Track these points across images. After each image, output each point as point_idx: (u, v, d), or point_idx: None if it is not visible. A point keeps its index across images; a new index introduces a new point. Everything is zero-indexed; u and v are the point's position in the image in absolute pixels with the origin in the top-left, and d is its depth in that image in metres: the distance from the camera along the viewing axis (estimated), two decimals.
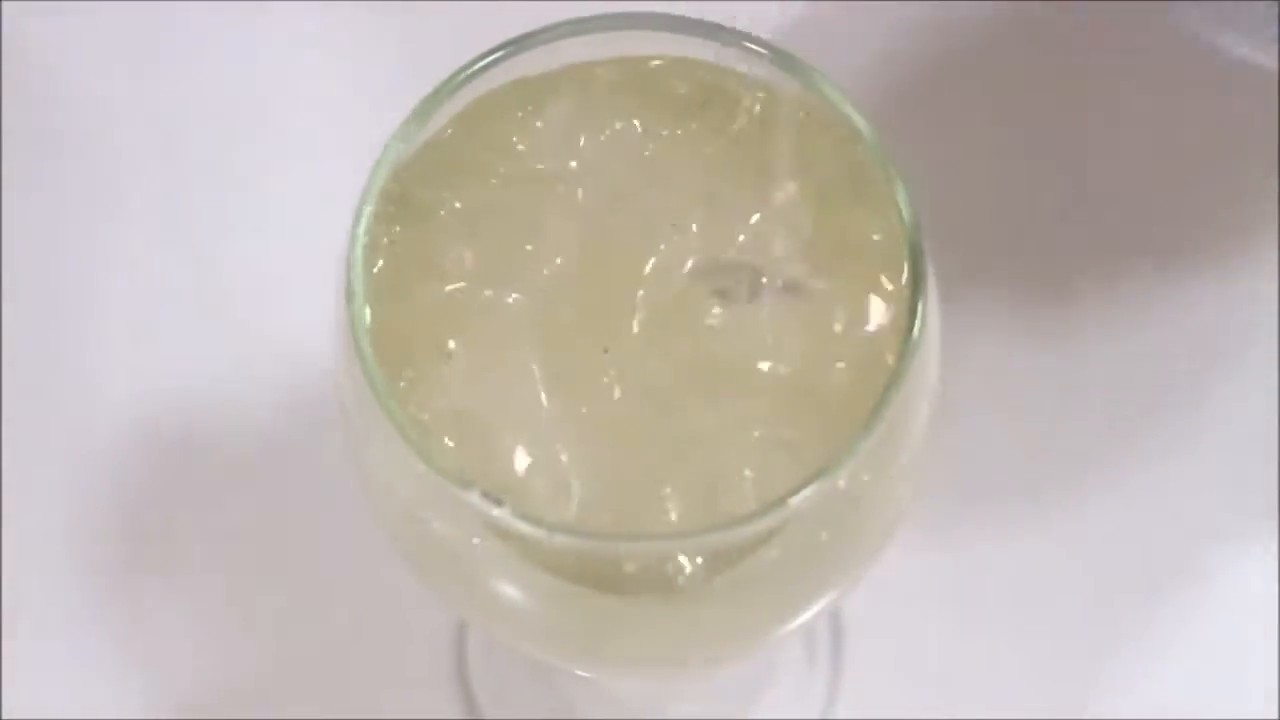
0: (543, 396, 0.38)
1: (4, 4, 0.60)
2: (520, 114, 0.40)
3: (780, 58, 0.39)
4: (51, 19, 0.61)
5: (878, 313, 0.38)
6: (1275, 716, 0.54)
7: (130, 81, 0.60)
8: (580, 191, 0.39)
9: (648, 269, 0.39)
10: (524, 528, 0.36)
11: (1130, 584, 0.55)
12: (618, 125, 0.40)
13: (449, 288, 0.39)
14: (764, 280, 0.39)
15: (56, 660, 0.54)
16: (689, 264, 0.39)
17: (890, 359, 0.37)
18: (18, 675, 0.54)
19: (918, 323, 0.37)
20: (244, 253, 0.58)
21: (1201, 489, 0.56)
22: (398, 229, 0.39)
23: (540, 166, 0.40)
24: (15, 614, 0.55)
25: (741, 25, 0.40)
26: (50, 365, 0.57)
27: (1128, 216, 0.59)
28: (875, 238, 0.39)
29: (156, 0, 0.61)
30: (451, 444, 0.37)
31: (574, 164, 0.40)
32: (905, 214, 0.38)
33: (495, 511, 0.36)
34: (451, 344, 0.38)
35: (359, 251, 0.38)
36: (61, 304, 0.58)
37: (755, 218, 0.39)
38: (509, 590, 0.39)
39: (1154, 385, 0.57)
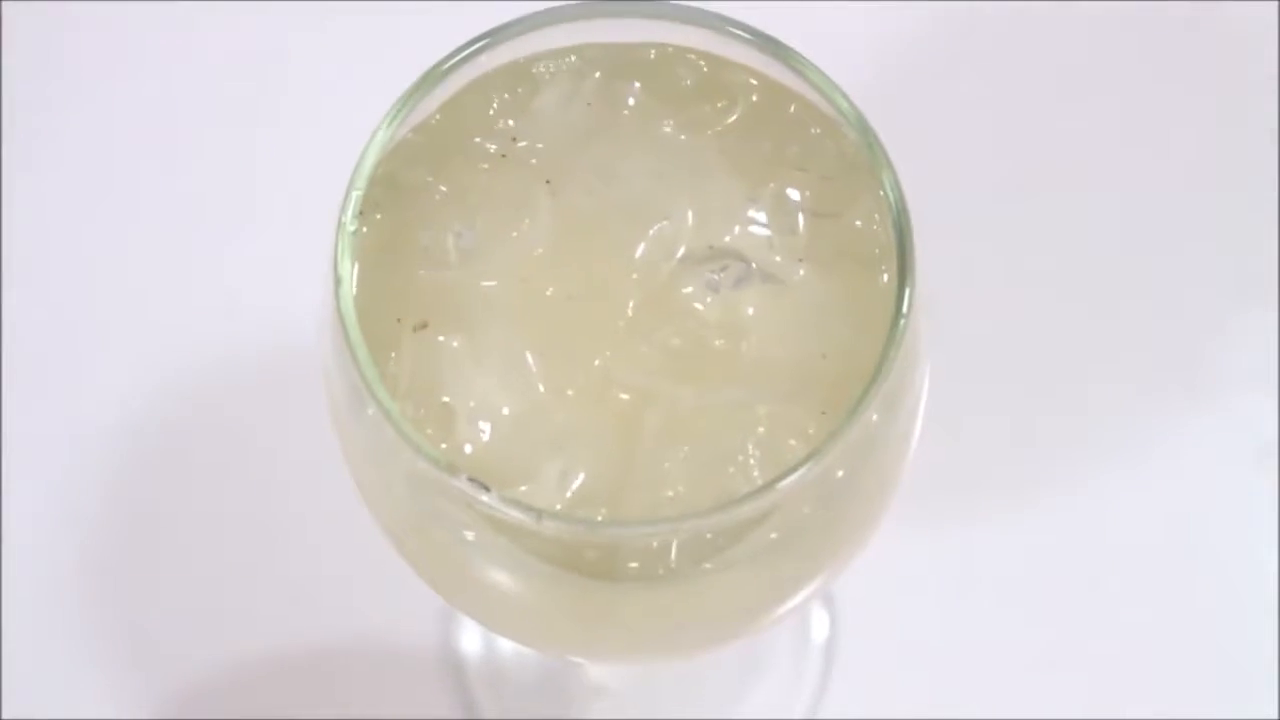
0: (538, 384, 0.38)
1: (4, 4, 0.61)
2: (510, 99, 0.40)
3: (771, 45, 0.39)
4: (51, 17, 0.61)
5: (866, 298, 0.38)
6: (1275, 717, 0.54)
7: (127, 81, 0.60)
8: (570, 177, 0.39)
9: (638, 255, 0.39)
10: (512, 513, 0.36)
11: (1128, 579, 0.55)
12: (609, 113, 0.40)
13: (437, 273, 0.39)
14: (753, 267, 0.39)
15: (54, 660, 0.54)
16: (680, 251, 0.39)
17: (878, 344, 0.37)
18: (17, 675, 0.54)
19: (905, 307, 0.37)
20: (235, 240, 0.58)
21: (1200, 484, 0.56)
22: (385, 214, 0.39)
23: (530, 153, 0.40)
24: (14, 615, 0.55)
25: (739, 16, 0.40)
26: (46, 360, 0.57)
27: (1126, 209, 0.59)
28: (859, 224, 0.39)
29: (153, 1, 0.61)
30: (438, 430, 0.37)
31: (564, 150, 0.40)
32: (892, 199, 0.38)
33: (484, 497, 0.36)
34: (441, 333, 0.38)
35: (346, 237, 0.38)
36: (57, 300, 0.58)
37: (745, 207, 0.39)
38: (501, 578, 0.38)
39: (1150, 376, 0.57)
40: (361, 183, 0.38)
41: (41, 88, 0.60)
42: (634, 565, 0.37)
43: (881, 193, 0.39)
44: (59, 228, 0.59)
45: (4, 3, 0.60)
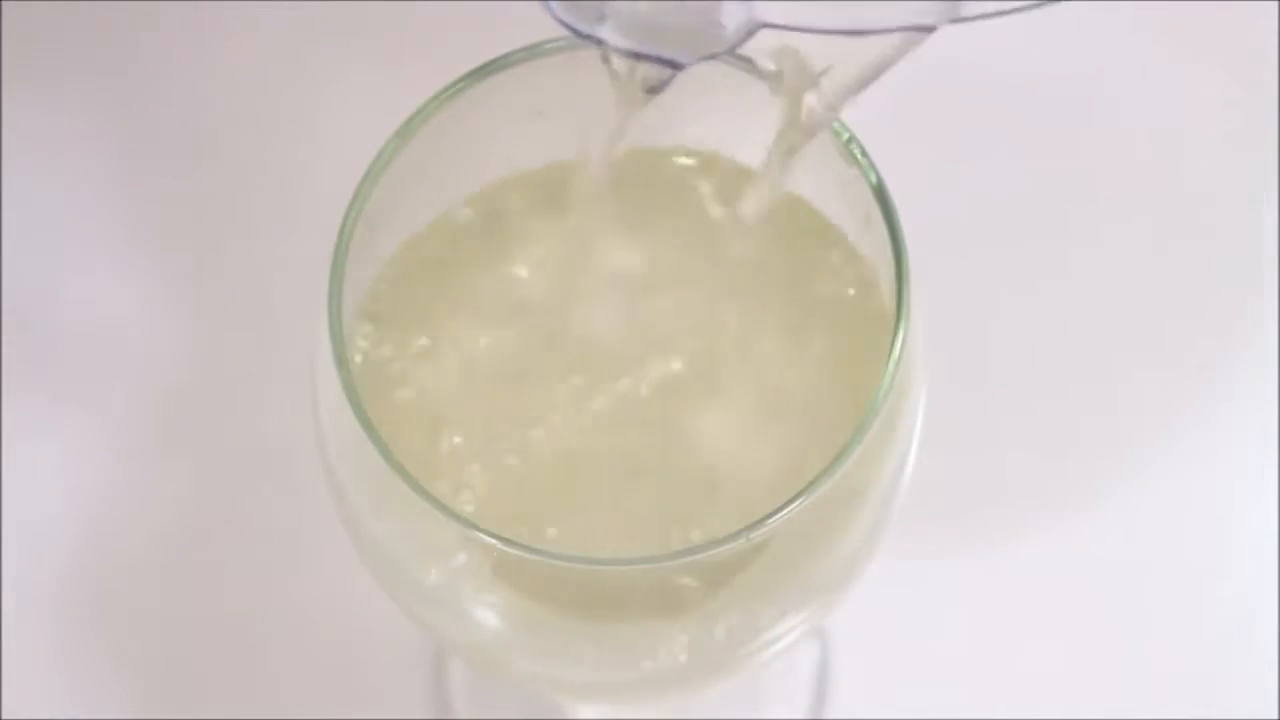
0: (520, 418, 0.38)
1: (3, 4, 0.60)
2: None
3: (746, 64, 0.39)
4: (50, 18, 0.61)
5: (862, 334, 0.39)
6: (1275, 717, 0.54)
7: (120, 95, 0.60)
8: None
9: None
10: (509, 550, 0.36)
11: (1126, 587, 0.55)
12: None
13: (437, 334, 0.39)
14: None
15: (52, 665, 0.55)
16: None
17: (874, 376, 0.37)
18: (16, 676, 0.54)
19: (899, 344, 0.37)
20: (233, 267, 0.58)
21: (1198, 490, 0.56)
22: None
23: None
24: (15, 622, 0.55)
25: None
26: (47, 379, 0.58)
27: (1126, 216, 0.59)
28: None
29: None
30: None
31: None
32: (882, 209, 0.38)
33: (485, 538, 0.36)
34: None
35: (340, 282, 0.38)
36: (58, 310, 0.58)
37: None
38: (491, 621, 0.38)
39: (1148, 390, 0.57)
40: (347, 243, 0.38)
41: (40, 101, 0.60)
42: (618, 603, 0.37)
43: (872, 198, 0.38)
44: (61, 252, 0.59)
45: (3, 3, 0.60)
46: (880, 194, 0.38)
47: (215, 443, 0.56)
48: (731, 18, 0.33)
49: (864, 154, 0.38)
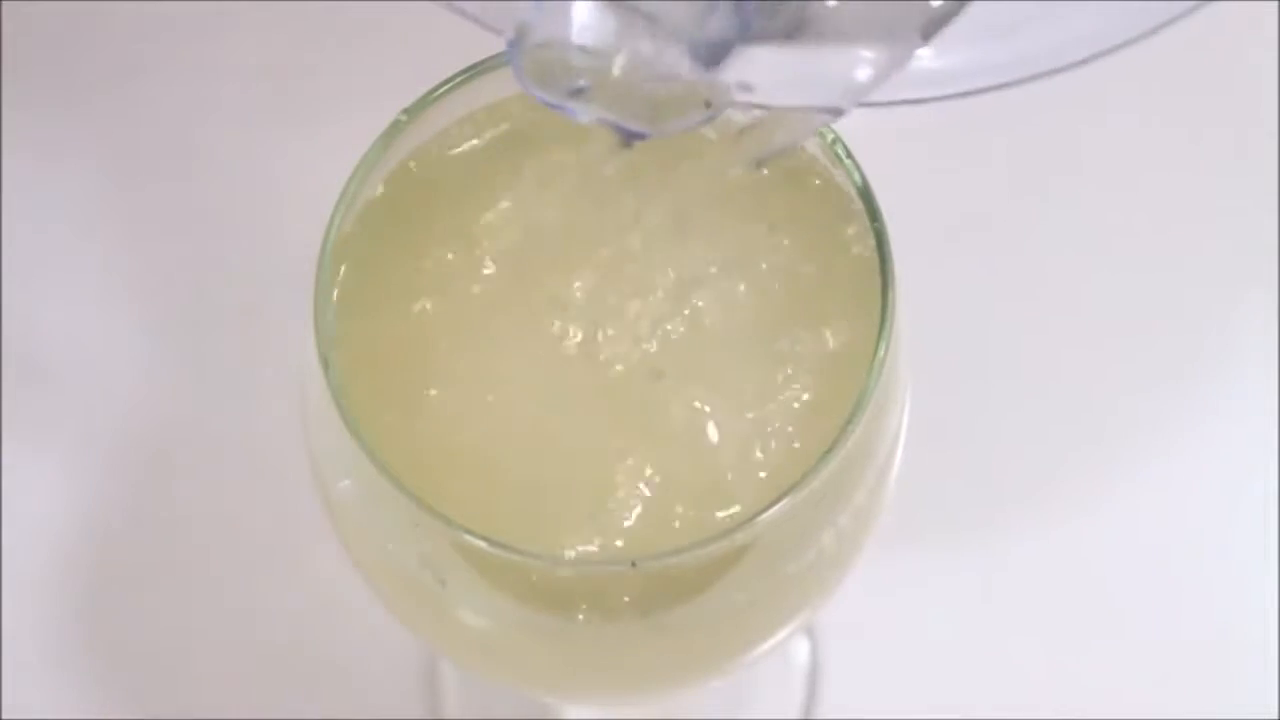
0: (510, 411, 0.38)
1: (4, 4, 0.61)
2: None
3: None
4: (51, 22, 0.61)
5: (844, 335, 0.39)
6: (1275, 717, 0.54)
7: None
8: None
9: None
10: (496, 552, 0.36)
11: (1122, 586, 0.55)
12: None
13: (422, 326, 0.39)
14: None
15: (52, 665, 0.55)
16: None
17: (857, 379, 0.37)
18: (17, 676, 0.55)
19: (884, 345, 0.37)
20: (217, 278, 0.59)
21: (1197, 490, 0.56)
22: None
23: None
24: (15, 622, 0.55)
25: None
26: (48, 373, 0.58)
27: (1123, 215, 0.59)
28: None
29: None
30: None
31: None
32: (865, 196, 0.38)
33: (468, 539, 0.36)
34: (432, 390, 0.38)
35: (325, 286, 0.38)
36: (54, 315, 0.58)
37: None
38: (479, 622, 0.38)
39: (1147, 389, 0.57)
40: (334, 241, 0.38)
41: (41, 105, 0.60)
42: (614, 602, 0.37)
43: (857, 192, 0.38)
44: (53, 254, 0.59)
45: (3, 4, 0.61)
46: (865, 194, 0.38)
47: (209, 446, 0.57)
48: (714, 96, 0.34)
49: (849, 155, 0.38)
